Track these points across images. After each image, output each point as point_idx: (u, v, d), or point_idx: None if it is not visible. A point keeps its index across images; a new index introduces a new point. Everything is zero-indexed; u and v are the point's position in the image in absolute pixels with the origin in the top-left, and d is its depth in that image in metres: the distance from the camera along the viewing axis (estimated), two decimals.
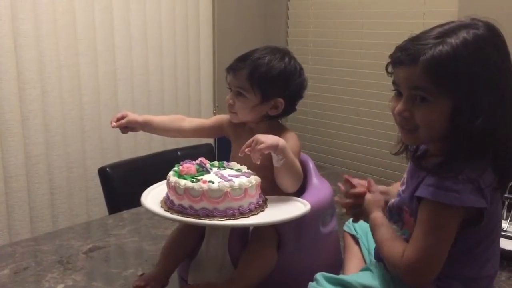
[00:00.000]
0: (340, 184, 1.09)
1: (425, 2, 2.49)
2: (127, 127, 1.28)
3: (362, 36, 2.75)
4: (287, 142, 1.11)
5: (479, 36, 0.88)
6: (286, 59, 1.20)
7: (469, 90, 0.86)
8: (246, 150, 1.07)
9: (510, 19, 2.07)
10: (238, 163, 1.15)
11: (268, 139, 1.06)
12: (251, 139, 1.07)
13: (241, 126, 1.25)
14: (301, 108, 1.27)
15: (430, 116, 0.89)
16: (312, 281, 0.99)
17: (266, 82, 1.17)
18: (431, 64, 0.86)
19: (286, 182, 1.13)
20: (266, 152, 1.06)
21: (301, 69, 1.23)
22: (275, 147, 1.06)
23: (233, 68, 1.20)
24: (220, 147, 1.32)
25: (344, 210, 1.10)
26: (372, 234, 1.00)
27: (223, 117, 1.30)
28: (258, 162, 1.07)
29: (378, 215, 1.00)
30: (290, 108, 1.23)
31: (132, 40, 2.51)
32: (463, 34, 0.87)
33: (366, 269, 1.03)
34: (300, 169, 1.14)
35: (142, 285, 1.07)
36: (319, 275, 0.98)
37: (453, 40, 0.86)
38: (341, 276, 0.99)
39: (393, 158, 1.08)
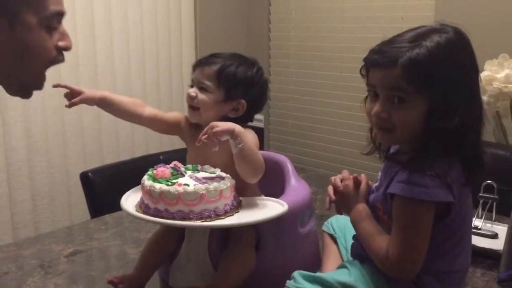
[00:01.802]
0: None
1: (403, 7, 2.54)
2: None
3: (342, 40, 2.79)
4: (229, 123, 1.09)
5: (450, 40, 0.92)
6: (255, 68, 1.21)
7: (443, 90, 0.91)
8: (203, 138, 1.05)
9: (483, 23, 2.13)
10: (193, 164, 1.15)
11: (224, 124, 1.06)
12: (207, 127, 1.06)
13: (198, 129, 1.19)
14: (282, 111, 1.29)
15: (407, 116, 0.93)
16: (291, 279, 1.01)
17: (232, 82, 1.17)
18: (409, 66, 0.90)
19: (246, 169, 1.10)
20: (223, 136, 1.05)
21: (266, 82, 1.25)
22: (232, 131, 1.05)
23: (202, 63, 1.20)
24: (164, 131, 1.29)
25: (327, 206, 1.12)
26: (356, 227, 1.02)
27: (182, 116, 1.27)
28: (217, 149, 1.06)
29: (361, 206, 1.02)
30: (248, 115, 1.22)
31: (113, 44, 2.51)
32: (436, 38, 0.91)
33: (342, 266, 1.06)
34: (261, 158, 1.11)
35: (116, 281, 1.09)
36: (296, 273, 1.00)
37: (427, 43, 0.91)
38: (318, 274, 1.01)
39: (373, 160, 1.11)
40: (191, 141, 1.22)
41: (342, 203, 1.08)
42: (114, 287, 1.11)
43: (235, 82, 1.18)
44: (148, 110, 1.27)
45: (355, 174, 1.08)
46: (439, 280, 0.97)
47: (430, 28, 0.94)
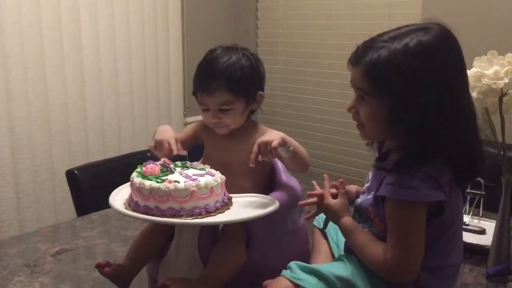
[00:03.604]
0: (314, 182, 1.11)
1: (390, 5, 2.55)
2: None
3: (330, 37, 2.80)
4: (271, 133, 1.11)
5: (421, 43, 0.91)
6: (246, 53, 1.18)
7: (400, 94, 0.91)
8: (260, 159, 1.05)
9: (471, 20, 2.15)
10: (214, 165, 1.14)
11: (272, 136, 1.05)
12: (256, 147, 1.05)
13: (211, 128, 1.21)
14: (270, 108, 1.29)
15: (369, 115, 0.95)
16: (286, 269, 1.00)
17: (245, 85, 1.15)
18: (368, 68, 0.92)
19: (299, 164, 1.13)
20: (280, 146, 1.05)
21: (256, 53, 1.23)
22: (282, 140, 1.05)
23: (206, 90, 1.14)
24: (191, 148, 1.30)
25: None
26: (347, 239, 1.02)
27: (194, 126, 1.26)
28: (275, 158, 1.08)
29: (347, 220, 1.02)
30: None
31: (99, 41, 2.48)
32: (406, 40, 0.91)
33: (339, 259, 1.05)
34: (304, 149, 1.14)
35: (102, 264, 1.08)
36: (292, 264, 0.99)
37: (393, 46, 0.91)
38: (314, 266, 1.00)
39: (361, 157, 1.11)
40: (210, 140, 1.23)
41: (328, 216, 1.08)
42: (100, 271, 1.08)
43: (247, 82, 1.15)
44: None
45: (334, 182, 1.08)
46: (434, 275, 0.97)
47: (411, 29, 0.94)
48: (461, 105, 0.94)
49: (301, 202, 1.11)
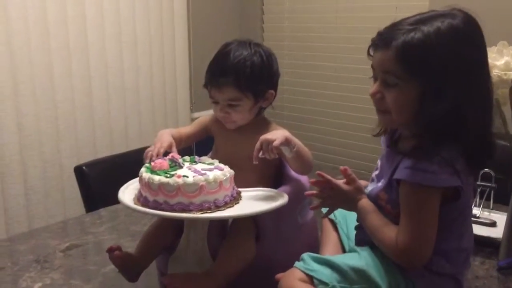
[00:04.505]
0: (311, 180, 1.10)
1: None
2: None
3: (336, 30, 2.78)
4: (276, 131, 1.11)
5: (453, 27, 0.90)
6: (259, 49, 1.17)
7: (435, 77, 0.90)
8: (260, 155, 1.05)
9: (480, 10, 2.12)
10: (222, 158, 1.14)
11: (275, 135, 1.05)
12: (258, 144, 1.05)
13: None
14: (277, 103, 1.27)
15: (399, 99, 0.93)
16: (299, 261, 0.99)
17: (254, 82, 1.14)
18: (401, 49, 0.90)
19: (301, 166, 1.13)
20: (281, 146, 1.05)
21: (270, 49, 1.21)
22: (285, 139, 1.05)
23: (215, 85, 1.14)
24: (198, 143, 1.31)
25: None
26: (363, 222, 1.02)
27: (205, 118, 1.27)
28: (277, 156, 1.08)
29: (364, 202, 1.01)
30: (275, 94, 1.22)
31: (105, 37, 2.48)
32: (437, 23, 0.90)
33: (352, 250, 1.05)
34: (309, 151, 1.13)
35: (114, 248, 1.08)
36: (305, 255, 0.99)
37: (426, 28, 0.90)
38: (327, 256, 1.00)
39: (367, 150, 1.10)
40: (220, 134, 1.23)
41: (342, 203, 1.06)
42: (110, 256, 1.09)
43: (257, 80, 1.15)
44: (183, 138, 1.24)
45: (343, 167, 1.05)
46: (447, 259, 0.97)
47: (437, 13, 0.93)
48: (486, 90, 0.94)
49: (307, 193, 1.10)
